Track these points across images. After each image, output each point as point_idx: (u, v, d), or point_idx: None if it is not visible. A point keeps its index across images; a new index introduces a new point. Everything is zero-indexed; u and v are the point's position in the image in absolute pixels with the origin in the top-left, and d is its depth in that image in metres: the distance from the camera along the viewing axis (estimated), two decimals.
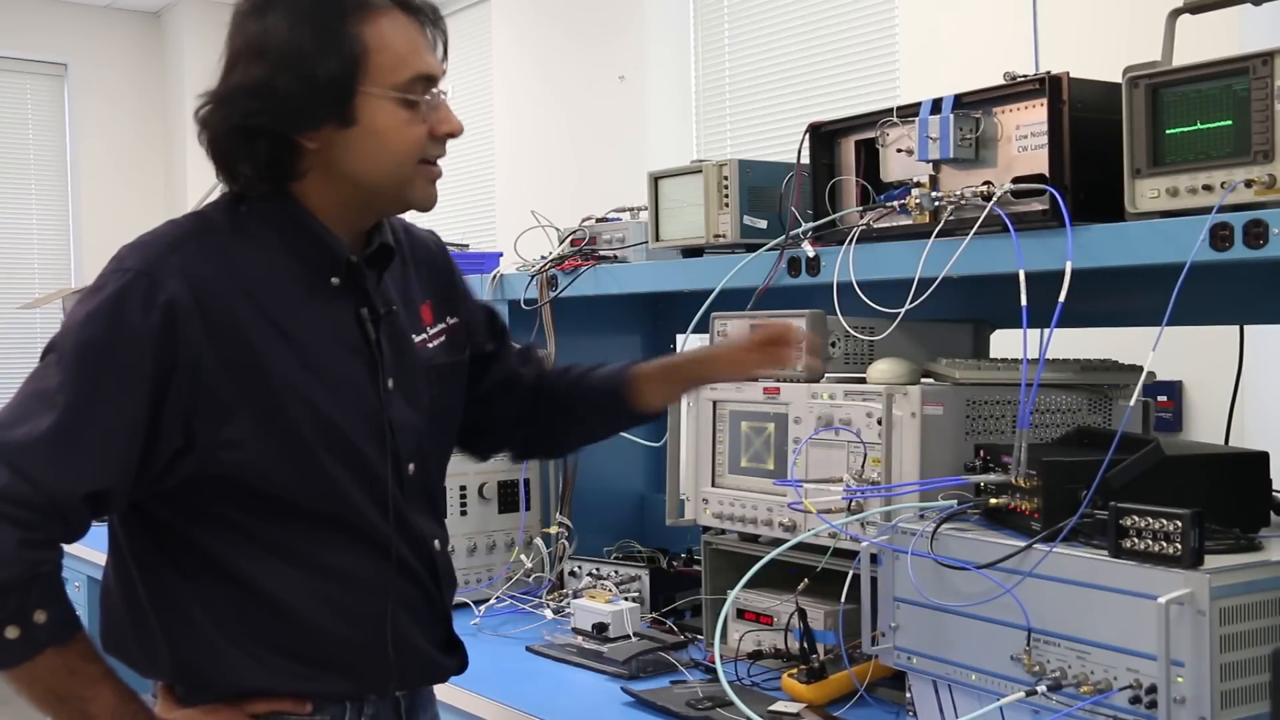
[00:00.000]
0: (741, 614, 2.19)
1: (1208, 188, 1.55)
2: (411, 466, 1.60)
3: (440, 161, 1.58)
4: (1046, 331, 1.64)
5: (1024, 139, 1.79)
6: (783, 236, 2.14)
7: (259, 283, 1.49)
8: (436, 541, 1.64)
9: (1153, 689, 1.39)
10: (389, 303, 1.60)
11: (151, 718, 1.50)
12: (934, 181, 1.89)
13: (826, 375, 2.07)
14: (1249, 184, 1.50)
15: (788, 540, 1.83)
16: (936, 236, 1.83)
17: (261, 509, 1.49)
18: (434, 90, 1.53)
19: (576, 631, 2.33)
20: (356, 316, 1.56)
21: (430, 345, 1.67)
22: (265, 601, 1.49)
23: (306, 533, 1.51)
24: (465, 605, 2.56)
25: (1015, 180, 1.76)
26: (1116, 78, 1.67)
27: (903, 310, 1.85)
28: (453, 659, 1.68)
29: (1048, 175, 1.72)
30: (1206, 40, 1.80)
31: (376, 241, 1.60)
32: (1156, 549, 1.40)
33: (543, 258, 2.75)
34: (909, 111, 1.92)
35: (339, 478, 1.51)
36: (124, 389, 1.40)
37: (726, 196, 2.31)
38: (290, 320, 1.50)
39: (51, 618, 1.40)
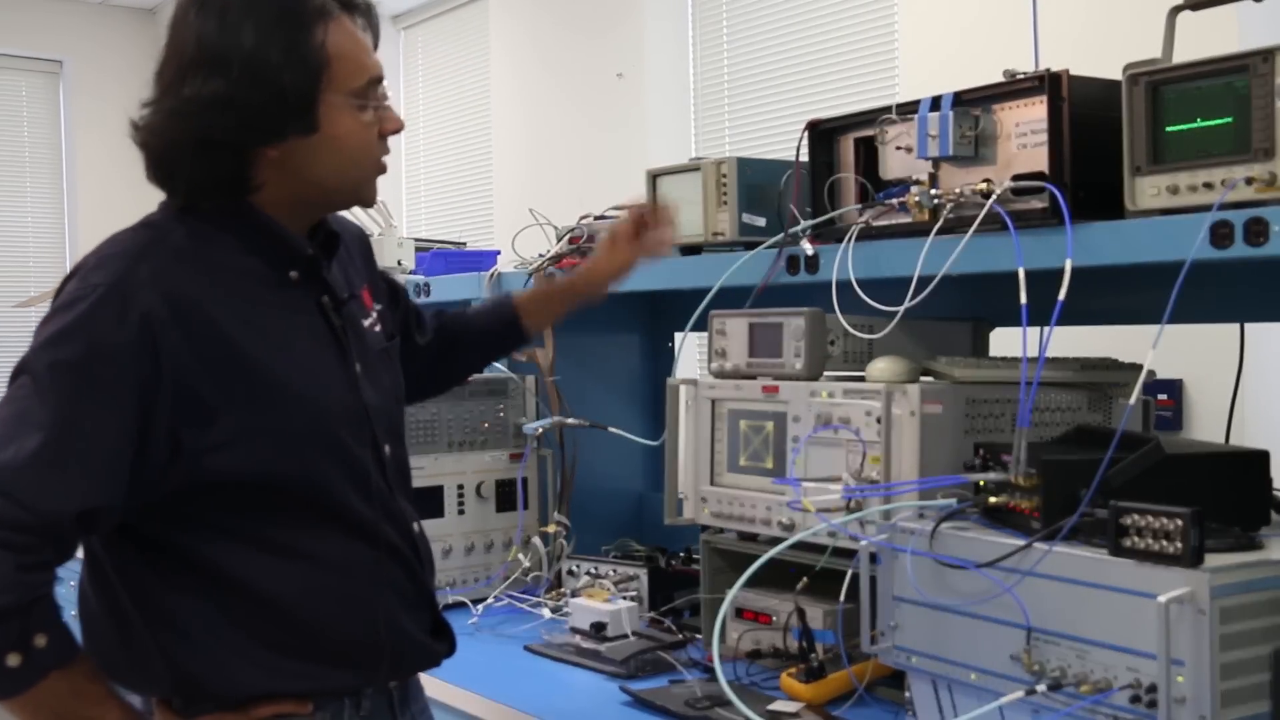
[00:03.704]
0: (740, 613, 2.18)
1: (1208, 185, 1.54)
2: (387, 448, 1.62)
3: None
4: (1046, 330, 1.64)
5: (1024, 136, 1.79)
6: (781, 234, 2.13)
7: (228, 283, 1.49)
8: (416, 524, 1.66)
9: (1153, 688, 1.38)
10: (344, 289, 1.62)
11: None
12: (933, 179, 1.89)
13: (825, 374, 2.07)
14: (1249, 181, 1.49)
15: (787, 539, 1.82)
16: (936, 234, 1.83)
17: (250, 508, 1.48)
18: (381, 91, 1.55)
19: (575, 631, 2.32)
20: (319, 306, 1.57)
21: (376, 329, 1.69)
22: (261, 602, 1.49)
23: (297, 527, 1.51)
24: (463, 604, 2.56)
25: (1015, 178, 1.76)
26: (1116, 75, 1.66)
27: (902, 308, 1.84)
28: (441, 643, 1.68)
29: (1047, 173, 1.72)
30: (1207, 37, 1.79)
31: (321, 232, 1.62)
32: (1156, 548, 1.39)
33: (540, 256, 2.73)
34: (908, 109, 1.92)
35: (325, 468, 1.52)
36: (106, 405, 1.39)
37: (725, 194, 2.31)
38: (263, 317, 1.50)
39: (52, 641, 1.39)
